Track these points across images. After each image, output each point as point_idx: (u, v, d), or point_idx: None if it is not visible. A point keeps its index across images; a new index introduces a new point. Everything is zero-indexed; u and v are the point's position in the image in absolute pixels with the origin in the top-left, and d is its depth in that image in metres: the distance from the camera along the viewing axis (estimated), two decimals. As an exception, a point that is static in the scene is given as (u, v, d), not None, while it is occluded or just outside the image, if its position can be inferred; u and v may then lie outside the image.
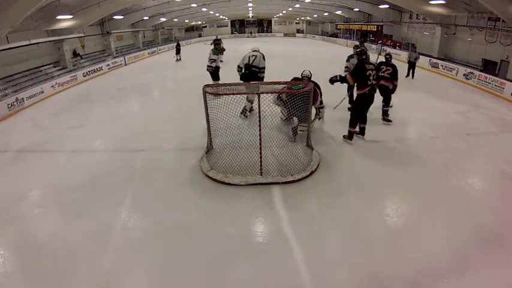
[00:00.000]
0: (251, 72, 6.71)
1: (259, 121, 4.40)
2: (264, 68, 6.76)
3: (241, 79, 6.78)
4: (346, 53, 8.66)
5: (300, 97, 4.62)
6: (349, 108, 6.79)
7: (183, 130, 6.46)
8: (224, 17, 37.07)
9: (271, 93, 4.73)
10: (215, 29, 40.59)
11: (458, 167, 4.80)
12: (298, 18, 39.09)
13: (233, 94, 4.47)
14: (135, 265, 3.11)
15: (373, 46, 19.67)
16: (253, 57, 6.72)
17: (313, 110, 5.87)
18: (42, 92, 10.10)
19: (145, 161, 5.29)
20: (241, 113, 6.62)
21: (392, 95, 7.03)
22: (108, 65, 15.59)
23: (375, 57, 7.39)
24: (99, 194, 4.34)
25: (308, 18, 35.17)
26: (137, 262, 3.14)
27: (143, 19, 20.93)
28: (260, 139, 4.53)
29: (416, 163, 4.95)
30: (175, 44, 18.64)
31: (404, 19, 18.54)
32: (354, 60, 6.82)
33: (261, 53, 6.84)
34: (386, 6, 16.90)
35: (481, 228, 3.45)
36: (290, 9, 27.92)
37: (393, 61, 7.01)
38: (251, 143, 4.84)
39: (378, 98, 6.27)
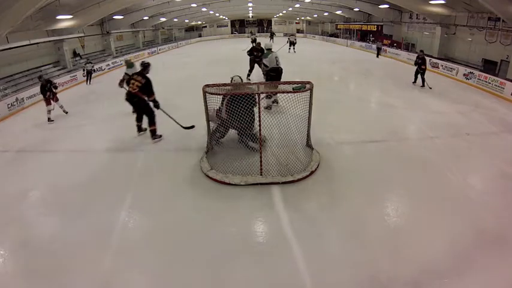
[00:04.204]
0: (279, 73, 7.35)
1: (259, 121, 4.40)
2: None
3: (268, 79, 7.39)
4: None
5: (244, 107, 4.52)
6: None
7: (183, 130, 6.46)
8: (224, 17, 37.06)
9: (271, 92, 4.73)
10: (215, 29, 40.58)
11: (458, 167, 4.80)
12: (298, 18, 39.07)
13: (233, 94, 4.47)
14: (135, 265, 3.11)
15: (373, 46, 19.67)
16: (277, 58, 7.36)
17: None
18: (42, 92, 10.08)
19: (145, 161, 5.29)
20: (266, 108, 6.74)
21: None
22: (108, 65, 15.59)
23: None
24: (99, 194, 4.34)
25: (308, 18, 35.15)
26: (137, 262, 3.14)
27: (143, 19, 20.93)
28: (260, 139, 4.53)
29: (416, 163, 4.95)
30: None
31: (405, 19, 18.54)
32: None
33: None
34: (387, 6, 16.90)
35: (481, 228, 3.45)
36: (290, 9, 27.92)
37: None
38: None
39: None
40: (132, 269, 3.07)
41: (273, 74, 7.29)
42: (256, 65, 10.33)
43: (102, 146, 6.03)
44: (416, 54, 10.34)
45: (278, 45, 22.34)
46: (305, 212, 3.80)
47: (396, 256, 3.09)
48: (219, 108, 4.96)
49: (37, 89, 9.93)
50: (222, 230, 3.54)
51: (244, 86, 4.97)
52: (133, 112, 6.29)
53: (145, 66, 5.75)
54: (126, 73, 7.51)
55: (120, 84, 7.41)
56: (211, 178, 4.50)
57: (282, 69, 7.50)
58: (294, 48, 18.99)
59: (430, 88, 9.60)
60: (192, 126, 6.08)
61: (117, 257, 3.20)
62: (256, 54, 9.91)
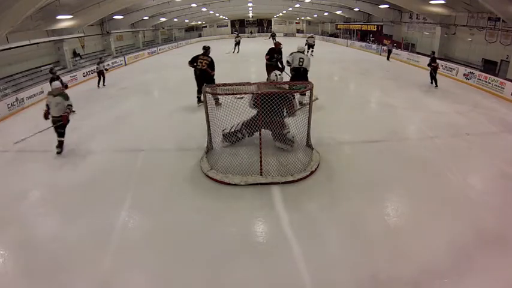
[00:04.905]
0: (300, 73, 7.33)
1: (260, 119, 4.39)
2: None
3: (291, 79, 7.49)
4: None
5: (275, 100, 4.51)
6: None
7: (183, 130, 6.46)
8: (224, 17, 37.03)
9: (271, 92, 4.74)
10: (215, 29, 40.53)
11: (458, 167, 4.80)
12: (298, 18, 39.05)
13: (233, 94, 4.47)
14: (135, 265, 3.11)
15: (373, 46, 19.68)
16: (302, 58, 7.32)
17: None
18: (42, 92, 10.05)
19: (145, 161, 5.29)
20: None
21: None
22: (108, 65, 15.57)
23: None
24: (99, 194, 4.34)
25: (308, 18, 35.15)
26: (137, 262, 3.14)
27: (143, 19, 20.92)
28: (260, 139, 4.53)
29: (416, 163, 4.94)
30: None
31: (405, 19, 18.54)
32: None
33: (308, 56, 7.55)
34: (387, 6, 16.89)
35: (481, 228, 3.45)
36: (290, 9, 27.91)
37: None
38: (251, 143, 4.81)
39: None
40: (132, 269, 3.07)
41: (293, 73, 7.43)
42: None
43: (102, 146, 6.03)
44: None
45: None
46: (305, 212, 3.80)
47: (396, 256, 3.09)
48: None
49: (37, 89, 9.97)
50: (222, 230, 3.54)
51: (268, 86, 4.97)
52: None
53: (207, 49, 7.61)
54: (49, 107, 5.64)
55: (46, 116, 5.61)
56: (211, 178, 4.50)
57: (304, 69, 7.38)
58: (312, 52, 16.87)
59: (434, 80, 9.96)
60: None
61: (117, 257, 3.20)
62: (277, 57, 8.67)
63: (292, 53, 7.54)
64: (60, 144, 5.70)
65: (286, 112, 4.93)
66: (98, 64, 11.60)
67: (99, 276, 2.96)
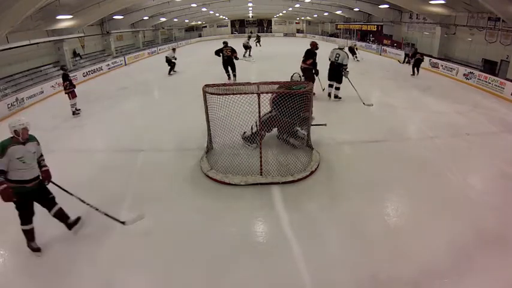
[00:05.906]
0: (333, 68, 8.06)
1: (260, 121, 4.40)
2: (346, 65, 8.00)
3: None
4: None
5: (292, 99, 4.63)
6: None
7: (183, 130, 6.46)
8: (224, 17, 37.05)
9: (271, 93, 4.74)
10: (215, 29, 40.56)
11: (458, 167, 4.80)
12: (298, 18, 39.07)
13: (233, 94, 4.47)
14: (135, 265, 3.11)
15: (373, 46, 19.67)
16: (338, 55, 7.96)
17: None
18: (42, 92, 10.09)
19: (145, 161, 5.29)
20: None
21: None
22: (108, 65, 15.58)
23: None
24: (98, 194, 4.33)
25: (308, 18, 35.16)
26: (137, 262, 3.14)
27: (143, 19, 20.92)
28: (260, 139, 4.53)
29: (417, 163, 4.94)
30: None
31: (405, 19, 18.54)
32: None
33: (345, 52, 8.06)
34: (387, 6, 16.89)
35: (482, 228, 3.45)
36: (290, 9, 27.92)
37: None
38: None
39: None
40: (132, 269, 3.07)
41: (329, 68, 8.17)
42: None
43: (102, 146, 6.03)
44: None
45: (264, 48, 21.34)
46: (305, 212, 3.80)
47: (396, 256, 3.09)
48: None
49: (37, 89, 10.00)
50: (222, 230, 3.54)
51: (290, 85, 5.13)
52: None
53: (227, 43, 10.83)
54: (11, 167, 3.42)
55: (8, 193, 3.25)
56: (211, 178, 4.50)
57: (339, 64, 7.95)
58: (356, 57, 15.85)
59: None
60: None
61: (117, 257, 3.20)
62: (314, 59, 7.98)
63: (332, 49, 8.22)
64: (64, 216, 3.55)
65: (302, 114, 4.91)
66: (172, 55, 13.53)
67: (99, 276, 2.96)
